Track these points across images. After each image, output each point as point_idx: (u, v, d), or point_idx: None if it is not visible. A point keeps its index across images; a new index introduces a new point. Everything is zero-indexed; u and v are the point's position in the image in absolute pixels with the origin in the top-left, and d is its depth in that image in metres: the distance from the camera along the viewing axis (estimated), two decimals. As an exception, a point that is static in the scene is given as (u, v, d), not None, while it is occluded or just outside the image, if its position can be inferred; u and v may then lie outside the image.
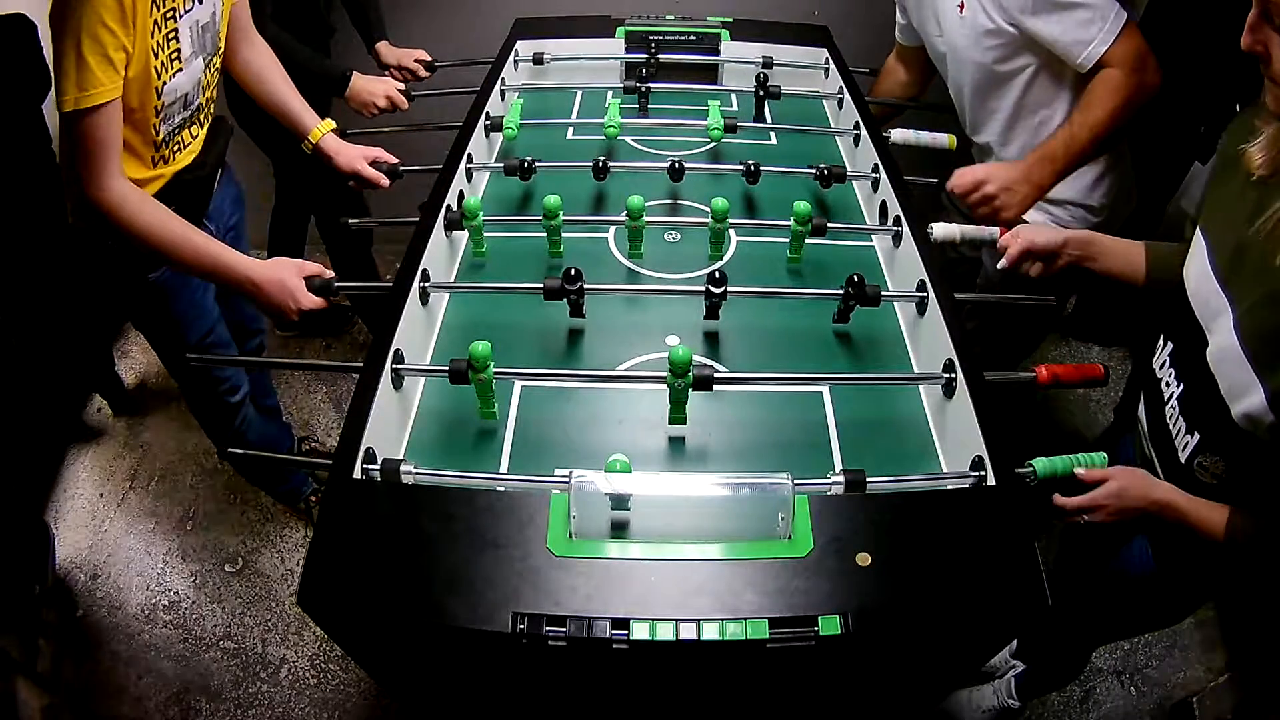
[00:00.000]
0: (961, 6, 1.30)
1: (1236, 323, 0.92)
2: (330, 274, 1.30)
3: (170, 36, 1.23)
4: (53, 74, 1.13)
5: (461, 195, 1.46)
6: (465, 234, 1.46)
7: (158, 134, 1.29)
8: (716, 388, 1.06)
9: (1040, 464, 0.99)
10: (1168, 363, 1.09)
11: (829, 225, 1.36)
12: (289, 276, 1.26)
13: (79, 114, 1.13)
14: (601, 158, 1.50)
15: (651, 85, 1.79)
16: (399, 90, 1.87)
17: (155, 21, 1.19)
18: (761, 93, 1.76)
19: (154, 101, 1.25)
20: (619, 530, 0.91)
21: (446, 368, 1.05)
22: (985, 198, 1.38)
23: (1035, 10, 1.28)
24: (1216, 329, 0.95)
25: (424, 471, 0.96)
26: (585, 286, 1.19)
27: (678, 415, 1.09)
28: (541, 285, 1.19)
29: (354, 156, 1.57)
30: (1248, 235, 0.90)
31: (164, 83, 1.24)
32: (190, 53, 1.29)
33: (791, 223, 1.33)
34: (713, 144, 1.67)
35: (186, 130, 1.37)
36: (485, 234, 1.39)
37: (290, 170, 2.10)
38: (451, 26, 2.35)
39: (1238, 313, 0.92)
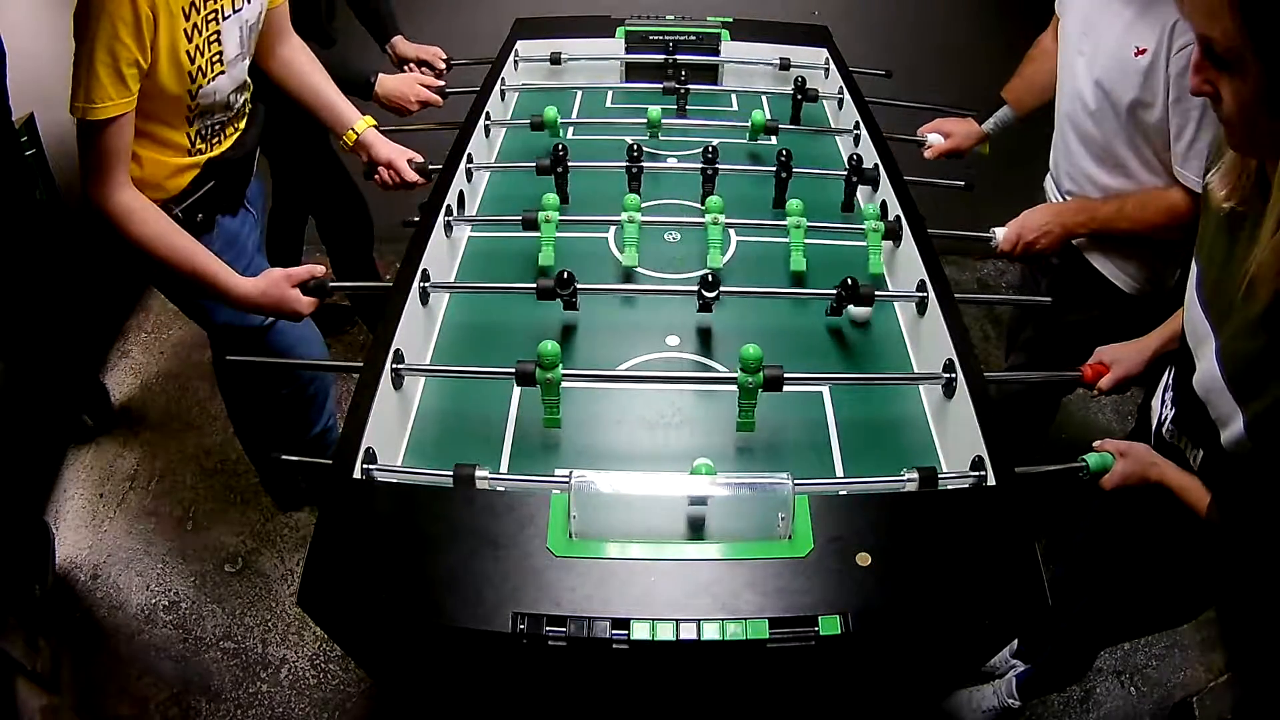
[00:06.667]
0: (1140, 51, 1.25)
1: (1218, 351, 0.92)
2: (320, 271, 1.32)
3: (211, 39, 1.23)
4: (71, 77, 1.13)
5: (462, 195, 1.46)
6: (466, 234, 1.46)
7: (193, 132, 1.30)
8: (716, 388, 1.06)
9: (1092, 459, 1.06)
10: (1170, 386, 1.11)
11: (828, 225, 1.36)
12: (282, 291, 1.29)
13: (86, 123, 1.13)
14: (636, 157, 1.49)
15: (690, 86, 1.80)
16: (433, 87, 1.86)
17: (195, 25, 1.19)
18: (799, 95, 1.76)
19: (188, 102, 1.25)
20: (697, 529, 0.91)
21: (447, 367, 1.05)
22: (1026, 246, 1.45)
23: (1190, 116, 1.24)
24: (1202, 356, 0.96)
25: (498, 477, 0.95)
26: (579, 288, 1.19)
27: (746, 420, 1.07)
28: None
29: (394, 150, 1.58)
30: (1226, 263, 0.90)
31: (199, 86, 1.24)
32: (235, 54, 1.30)
33: (867, 230, 1.36)
34: (714, 143, 1.66)
35: (229, 126, 1.38)
36: (488, 234, 1.39)
37: (288, 171, 2.10)
38: (451, 26, 2.35)
39: (1219, 341, 0.92)
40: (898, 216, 1.37)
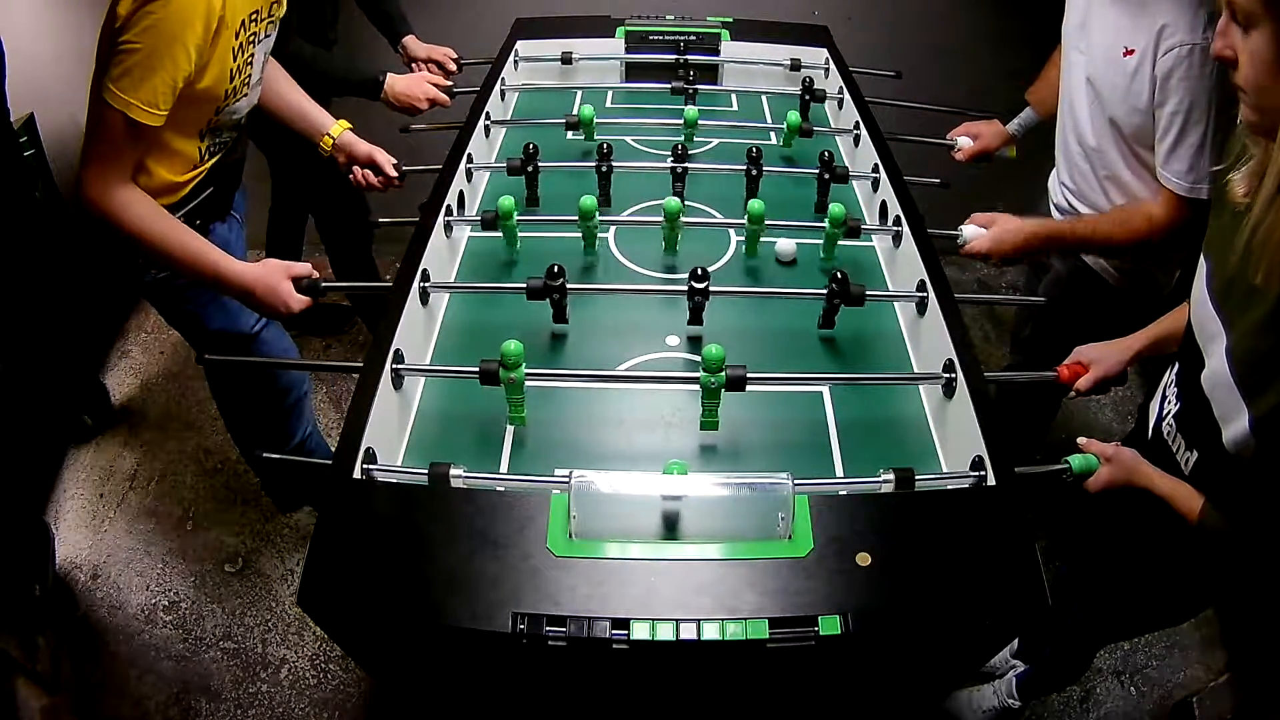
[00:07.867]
0: (1129, 52, 1.26)
1: (1229, 348, 0.92)
2: (316, 273, 1.32)
3: (248, 62, 1.24)
4: (101, 49, 1.09)
5: (462, 195, 1.46)
6: (466, 234, 1.46)
7: (203, 146, 1.31)
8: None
9: (1076, 461, 1.05)
10: (1173, 382, 1.10)
11: (796, 224, 1.36)
12: (279, 280, 1.28)
13: (115, 111, 1.10)
14: (601, 160, 1.49)
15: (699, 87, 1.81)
16: (441, 86, 1.86)
17: (241, 44, 1.19)
18: (807, 96, 1.76)
19: (210, 117, 1.25)
20: (671, 527, 0.91)
21: (448, 367, 1.05)
22: (995, 254, 1.41)
23: (1175, 119, 1.24)
24: (1212, 352, 0.96)
25: (475, 475, 0.95)
26: (570, 287, 1.19)
27: (710, 419, 1.07)
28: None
29: (374, 149, 1.60)
30: (1239, 260, 0.90)
31: (227, 105, 1.25)
32: (257, 80, 1.31)
33: (826, 225, 1.35)
34: (714, 143, 1.66)
35: (233, 143, 1.40)
36: (488, 234, 1.39)
37: (287, 170, 2.10)
38: (451, 26, 2.34)
39: (1231, 338, 0.92)
40: (898, 216, 1.37)
